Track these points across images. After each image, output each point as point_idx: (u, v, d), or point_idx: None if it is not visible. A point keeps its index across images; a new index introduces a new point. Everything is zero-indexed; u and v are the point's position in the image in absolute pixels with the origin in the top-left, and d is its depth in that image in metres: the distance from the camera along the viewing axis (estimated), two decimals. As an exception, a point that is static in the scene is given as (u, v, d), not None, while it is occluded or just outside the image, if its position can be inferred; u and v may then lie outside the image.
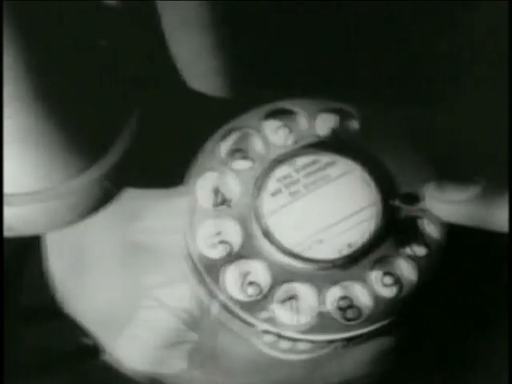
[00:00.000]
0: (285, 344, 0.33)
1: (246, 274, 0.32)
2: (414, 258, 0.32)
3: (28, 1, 0.27)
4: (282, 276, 0.32)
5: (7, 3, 0.26)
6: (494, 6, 0.38)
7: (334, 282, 0.32)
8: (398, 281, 0.32)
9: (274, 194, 0.32)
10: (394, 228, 0.32)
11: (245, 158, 0.34)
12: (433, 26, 0.42)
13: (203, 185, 0.33)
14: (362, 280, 0.32)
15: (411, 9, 0.41)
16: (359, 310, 0.32)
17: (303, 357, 0.36)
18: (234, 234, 0.32)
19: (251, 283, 0.32)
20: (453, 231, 0.32)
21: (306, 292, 0.32)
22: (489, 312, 0.40)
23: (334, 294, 0.32)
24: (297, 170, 0.32)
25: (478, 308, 0.40)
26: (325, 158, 0.33)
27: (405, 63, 0.42)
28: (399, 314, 0.32)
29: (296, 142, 0.34)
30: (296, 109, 0.34)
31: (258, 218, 0.32)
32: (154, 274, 0.36)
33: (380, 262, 0.32)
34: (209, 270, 0.32)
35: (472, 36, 0.42)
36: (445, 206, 0.31)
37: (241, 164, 0.33)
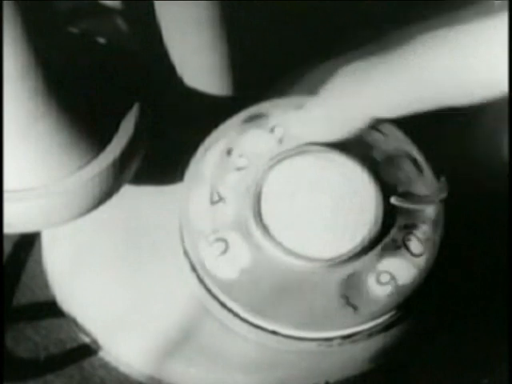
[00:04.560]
0: (283, 342, 0.33)
1: (244, 272, 0.32)
2: (410, 257, 0.32)
3: (28, 1, 0.27)
4: (280, 274, 0.32)
5: (7, 3, 0.26)
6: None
7: (333, 280, 0.32)
8: (393, 279, 0.32)
9: (271, 194, 0.32)
10: (391, 227, 0.32)
11: (242, 156, 0.34)
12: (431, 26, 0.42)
13: (200, 182, 0.33)
14: (360, 278, 0.32)
15: (405, 10, 0.41)
16: (357, 307, 0.32)
17: (301, 354, 0.36)
18: (231, 233, 0.32)
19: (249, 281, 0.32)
20: (449, 230, 0.32)
21: (304, 290, 0.32)
22: (486, 311, 0.40)
23: (332, 291, 0.32)
24: (295, 170, 0.32)
25: (474, 307, 0.40)
26: (323, 157, 0.33)
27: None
28: (395, 312, 0.32)
29: (292, 142, 0.34)
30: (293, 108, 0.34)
31: (256, 216, 0.32)
32: (151, 272, 0.36)
33: (379, 259, 0.32)
34: (206, 269, 0.32)
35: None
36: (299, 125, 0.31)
37: (238, 162, 0.33)
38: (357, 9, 0.41)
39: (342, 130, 0.29)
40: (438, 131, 0.39)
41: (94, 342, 0.39)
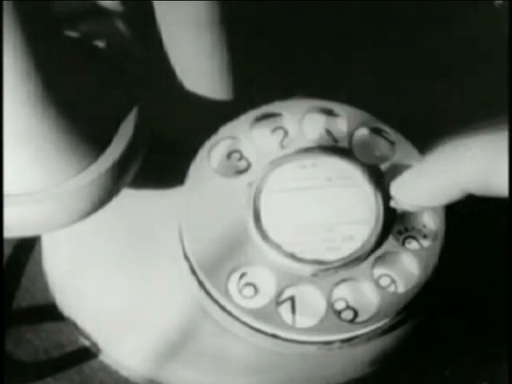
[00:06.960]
0: (283, 345, 0.33)
1: (243, 275, 0.32)
2: (410, 260, 0.32)
3: (28, 1, 0.27)
4: (279, 277, 0.32)
5: (7, 3, 0.26)
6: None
7: (333, 283, 0.32)
8: (393, 282, 0.32)
9: (271, 196, 0.32)
10: (391, 230, 0.32)
11: (241, 160, 0.34)
12: (430, 26, 0.42)
13: (200, 186, 0.33)
14: (361, 281, 0.32)
15: (405, 10, 0.41)
16: (357, 311, 0.32)
17: (301, 358, 0.36)
18: (231, 236, 0.32)
19: (249, 284, 0.32)
20: (450, 234, 0.32)
21: (304, 293, 0.32)
22: (486, 314, 0.40)
23: (332, 294, 0.32)
24: (294, 173, 0.32)
25: (475, 309, 0.40)
26: (323, 160, 0.33)
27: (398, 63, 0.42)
28: (399, 314, 0.32)
29: (293, 145, 0.34)
30: (293, 111, 0.34)
31: (255, 219, 0.32)
32: (151, 275, 0.36)
33: (379, 262, 0.32)
34: (206, 271, 0.32)
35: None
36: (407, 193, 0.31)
37: (238, 165, 0.33)
38: (357, 9, 0.41)
39: (439, 200, 0.30)
40: (438, 134, 0.39)
41: (94, 345, 0.39)
